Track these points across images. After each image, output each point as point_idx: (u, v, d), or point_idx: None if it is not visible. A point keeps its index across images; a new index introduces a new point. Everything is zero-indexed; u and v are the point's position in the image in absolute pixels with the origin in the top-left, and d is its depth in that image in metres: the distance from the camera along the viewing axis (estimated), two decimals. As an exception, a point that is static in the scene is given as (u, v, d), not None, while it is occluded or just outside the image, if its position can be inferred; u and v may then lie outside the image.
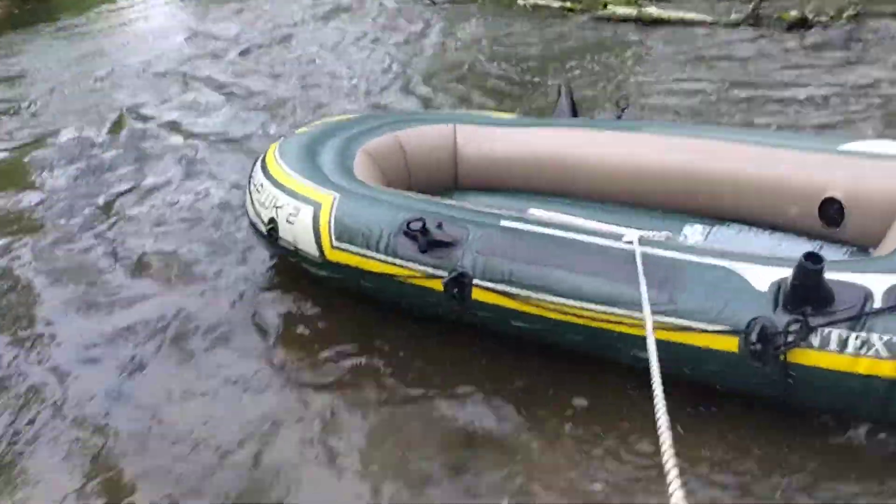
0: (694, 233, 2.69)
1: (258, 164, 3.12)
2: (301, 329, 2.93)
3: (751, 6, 5.50)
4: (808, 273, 1.87)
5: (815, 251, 1.89)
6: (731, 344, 1.99)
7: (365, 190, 2.74)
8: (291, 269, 3.10)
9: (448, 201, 2.75)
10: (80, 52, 7.47)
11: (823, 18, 5.28)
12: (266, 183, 2.92)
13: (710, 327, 2.01)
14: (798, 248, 2.35)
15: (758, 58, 4.95)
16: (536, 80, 5.15)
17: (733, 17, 5.55)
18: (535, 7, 6.66)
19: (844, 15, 5.24)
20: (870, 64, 4.59)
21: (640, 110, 4.19)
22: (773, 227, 2.60)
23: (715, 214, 2.73)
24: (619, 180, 2.91)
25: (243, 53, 6.71)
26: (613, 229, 2.32)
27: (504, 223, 2.41)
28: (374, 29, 6.94)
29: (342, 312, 2.93)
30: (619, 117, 3.28)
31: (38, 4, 9.55)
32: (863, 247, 2.40)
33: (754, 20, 5.47)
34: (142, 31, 8.22)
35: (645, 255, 2.13)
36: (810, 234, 2.51)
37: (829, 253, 2.32)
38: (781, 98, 4.30)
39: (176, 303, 3.18)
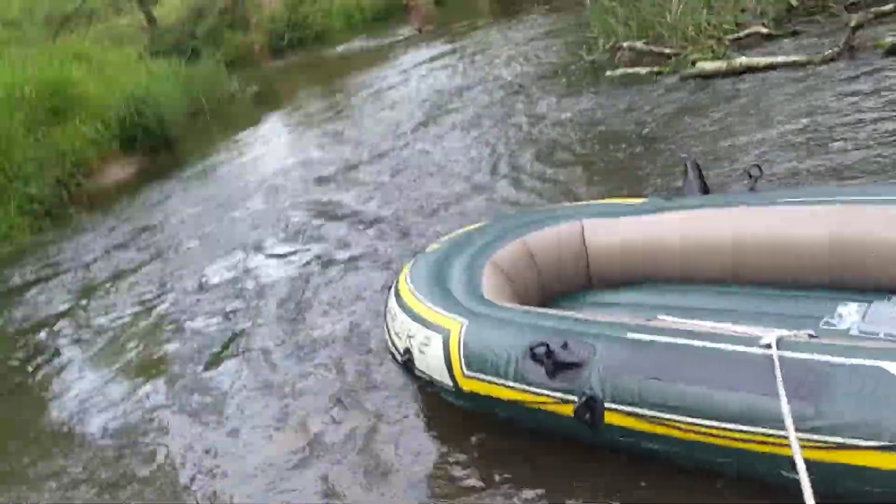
0: (849, 313, 2.40)
1: (392, 290, 3.04)
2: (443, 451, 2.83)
3: (843, 40, 5.36)
4: None
5: None
6: (894, 461, 1.68)
7: (491, 311, 2.59)
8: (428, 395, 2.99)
9: (573, 314, 2.57)
10: (206, 194, 7.92)
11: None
12: (398, 311, 2.83)
13: (866, 443, 1.69)
14: None
15: (865, 91, 4.74)
16: (649, 152, 5.05)
17: (827, 52, 5.40)
18: (624, 76, 6.69)
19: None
20: None
21: (765, 168, 3.96)
22: None
23: (872, 287, 2.42)
24: (763, 259, 2.68)
25: (350, 170, 6.95)
26: (749, 332, 2.07)
27: (631, 335, 2.19)
28: (467, 125, 7.08)
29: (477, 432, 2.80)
30: (751, 188, 3.17)
31: (167, 156, 10.34)
32: None
33: (850, 52, 5.33)
34: (258, 164, 8.66)
35: (785, 360, 1.86)
36: None
37: None
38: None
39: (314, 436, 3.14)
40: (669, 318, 2.47)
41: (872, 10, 5.73)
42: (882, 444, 1.68)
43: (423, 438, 2.94)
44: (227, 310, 4.76)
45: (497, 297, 2.76)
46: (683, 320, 2.41)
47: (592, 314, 2.77)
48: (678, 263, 2.90)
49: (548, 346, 2.24)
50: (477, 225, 3.52)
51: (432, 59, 11.17)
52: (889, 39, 5.10)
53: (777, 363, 1.85)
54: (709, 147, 4.76)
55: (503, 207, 4.90)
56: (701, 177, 3.28)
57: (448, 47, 11.81)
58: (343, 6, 17.95)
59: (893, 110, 4.31)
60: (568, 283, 3.13)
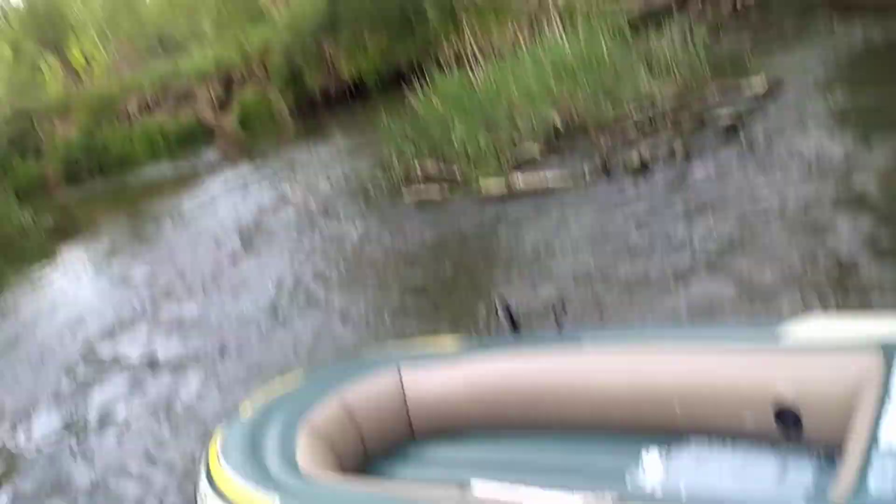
0: (652, 461, 2.33)
1: (202, 467, 2.61)
2: None
3: (598, 163, 5.77)
4: None
5: None
6: None
7: (304, 488, 2.29)
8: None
9: (387, 492, 2.32)
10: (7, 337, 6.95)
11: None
12: (210, 493, 2.41)
13: None
14: (761, 466, 2.10)
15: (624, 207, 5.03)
16: (454, 281, 4.99)
17: (588, 174, 5.74)
18: (419, 199, 6.76)
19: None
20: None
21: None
22: (735, 436, 2.26)
23: (672, 430, 2.36)
24: (569, 406, 2.57)
25: (148, 311, 6.35)
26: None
27: None
28: (273, 256, 6.79)
29: None
30: (557, 326, 3.07)
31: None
32: (829, 455, 2.06)
33: (607, 173, 5.70)
34: (51, 306, 7.75)
35: None
36: (774, 442, 2.16)
37: (795, 467, 2.06)
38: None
39: None
40: (483, 485, 2.25)
41: (621, 134, 6.25)
42: None
43: None
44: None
45: (315, 466, 2.44)
46: (498, 487, 2.20)
47: (413, 473, 2.54)
48: (493, 411, 2.75)
49: None
50: (291, 377, 3.19)
51: (238, 182, 10.78)
52: (636, 160, 5.56)
53: None
54: (506, 276, 4.74)
55: (316, 345, 4.60)
56: (510, 315, 3.16)
57: (253, 170, 11.49)
58: (145, 131, 16.98)
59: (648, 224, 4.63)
60: (390, 439, 2.85)
